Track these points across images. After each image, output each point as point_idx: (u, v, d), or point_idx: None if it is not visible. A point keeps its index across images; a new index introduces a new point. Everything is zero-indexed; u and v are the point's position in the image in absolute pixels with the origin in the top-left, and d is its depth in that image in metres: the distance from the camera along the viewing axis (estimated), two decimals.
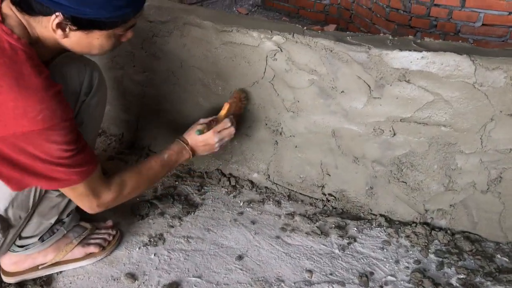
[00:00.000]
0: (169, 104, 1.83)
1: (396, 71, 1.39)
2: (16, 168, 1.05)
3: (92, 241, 1.44)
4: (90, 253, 1.42)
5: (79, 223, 1.47)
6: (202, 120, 1.47)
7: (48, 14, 0.99)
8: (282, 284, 1.37)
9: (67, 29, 1.02)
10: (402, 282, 1.39)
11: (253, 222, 1.61)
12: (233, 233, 1.57)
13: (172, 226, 1.59)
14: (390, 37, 1.47)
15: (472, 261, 1.46)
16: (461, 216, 1.54)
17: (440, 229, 1.57)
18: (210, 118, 1.48)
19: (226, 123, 1.45)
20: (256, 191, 1.76)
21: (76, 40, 1.06)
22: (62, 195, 1.32)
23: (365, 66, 1.41)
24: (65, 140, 1.03)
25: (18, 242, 1.32)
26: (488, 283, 1.38)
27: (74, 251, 1.40)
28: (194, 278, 1.39)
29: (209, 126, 1.44)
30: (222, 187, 1.78)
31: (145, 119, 1.95)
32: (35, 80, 0.97)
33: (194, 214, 1.65)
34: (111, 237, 1.48)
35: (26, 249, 1.33)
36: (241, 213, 1.66)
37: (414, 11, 2.81)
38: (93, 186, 1.17)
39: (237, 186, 1.78)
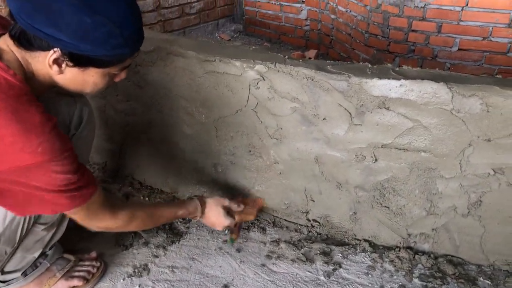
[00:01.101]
0: (153, 132, 1.84)
1: (375, 99, 1.42)
2: (18, 198, 1.06)
3: (76, 273, 1.42)
4: (74, 286, 1.40)
5: (62, 255, 1.45)
6: (234, 206, 1.56)
7: (46, 49, 0.99)
8: None
9: (63, 65, 1.03)
10: None
11: (238, 250, 1.61)
12: (218, 262, 1.56)
13: (157, 256, 1.58)
14: (369, 65, 1.50)
15: (455, 284, 1.48)
16: (443, 239, 1.56)
17: (423, 253, 1.59)
18: (238, 209, 1.57)
19: (240, 227, 1.63)
20: None
21: (71, 76, 1.06)
22: (48, 229, 1.31)
23: (345, 94, 1.44)
24: (66, 170, 1.04)
25: (0, 277, 1.29)
26: None
27: (58, 284, 1.38)
28: None
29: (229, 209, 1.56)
30: None
31: (129, 147, 1.94)
32: (32, 114, 0.98)
33: (178, 243, 1.64)
34: (95, 269, 1.46)
35: (8, 284, 1.30)
36: (226, 241, 1.65)
37: (392, 36, 2.88)
38: (94, 209, 1.18)
39: None
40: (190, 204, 1.47)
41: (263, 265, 1.55)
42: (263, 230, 1.70)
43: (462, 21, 2.68)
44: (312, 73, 1.46)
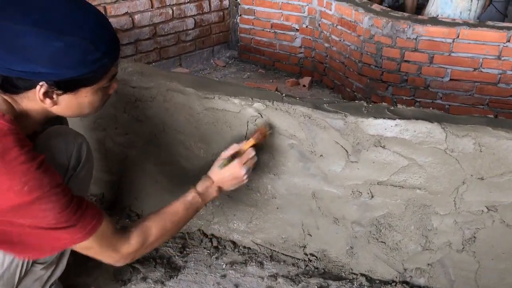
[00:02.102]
0: (151, 165, 1.86)
1: (371, 137, 1.45)
2: (13, 241, 1.06)
3: None
4: None
5: None
6: (224, 154, 1.44)
7: (32, 87, 1.01)
8: None
9: (54, 96, 1.04)
10: None
11: (236, 286, 1.62)
12: None
13: None
14: (365, 104, 1.54)
15: None
16: (438, 274, 1.59)
17: (419, 287, 1.61)
18: (232, 151, 1.44)
19: (250, 152, 1.42)
20: (239, 251, 1.77)
21: (65, 104, 1.07)
22: (46, 268, 1.31)
23: (342, 132, 1.48)
24: (58, 205, 1.03)
25: None
26: None
27: None
28: None
29: (231, 159, 1.41)
30: (204, 248, 1.79)
31: (127, 179, 1.96)
32: (17, 153, 0.98)
33: (176, 278, 1.65)
34: None
35: None
36: (224, 276, 1.66)
37: (385, 66, 2.94)
38: (105, 241, 1.15)
39: (219, 247, 1.79)
40: (196, 185, 1.39)
41: None
42: (261, 264, 1.72)
43: (453, 52, 2.75)
44: (309, 112, 1.50)
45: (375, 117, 1.44)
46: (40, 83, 1.00)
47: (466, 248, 1.52)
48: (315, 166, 1.56)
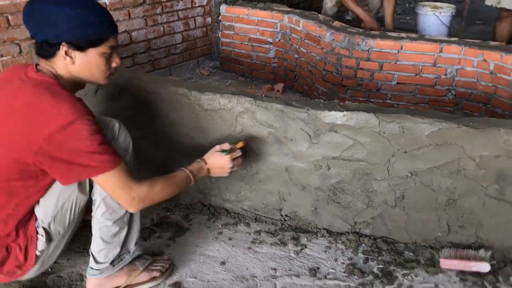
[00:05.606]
0: (162, 153, 2.37)
1: (327, 125, 2.01)
2: (62, 169, 1.46)
3: (154, 267, 1.85)
4: (154, 276, 1.83)
5: (142, 254, 1.87)
6: (224, 146, 1.85)
7: (58, 49, 1.49)
8: (255, 279, 1.91)
9: (72, 54, 1.50)
10: (339, 272, 1.96)
11: (230, 239, 2.15)
12: (216, 247, 2.10)
13: (168, 245, 2.10)
14: (322, 101, 2.10)
15: (388, 256, 2.06)
16: (379, 225, 2.15)
17: (366, 236, 2.16)
18: (226, 147, 1.85)
19: (239, 153, 1.85)
20: (231, 216, 2.31)
21: (80, 63, 1.52)
22: (118, 224, 1.68)
23: (306, 121, 2.03)
24: (91, 129, 1.43)
25: (96, 266, 1.72)
26: (398, 269, 1.98)
27: (141, 275, 1.81)
28: (191, 279, 1.90)
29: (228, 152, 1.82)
30: (204, 214, 2.32)
31: (140, 164, 2.46)
32: (62, 91, 1.48)
33: (184, 236, 2.17)
34: (167, 265, 1.91)
35: (101, 273, 1.72)
36: (220, 233, 2.19)
37: (344, 73, 3.52)
38: (123, 178, 1.49)
39: (215, 213, 2.32)
40: (194, 163, 1.78)
41: (249, 248, 2.10)
42: (248, 224, 2.25)
43: (398, 61, 3.34)
44: (282, 107, 2.05)
45: (329, 110, 2.00)
46: (62, 44, 1.48)
47: (397, 204, 2.08)
48: (287, 147, 2.11)
